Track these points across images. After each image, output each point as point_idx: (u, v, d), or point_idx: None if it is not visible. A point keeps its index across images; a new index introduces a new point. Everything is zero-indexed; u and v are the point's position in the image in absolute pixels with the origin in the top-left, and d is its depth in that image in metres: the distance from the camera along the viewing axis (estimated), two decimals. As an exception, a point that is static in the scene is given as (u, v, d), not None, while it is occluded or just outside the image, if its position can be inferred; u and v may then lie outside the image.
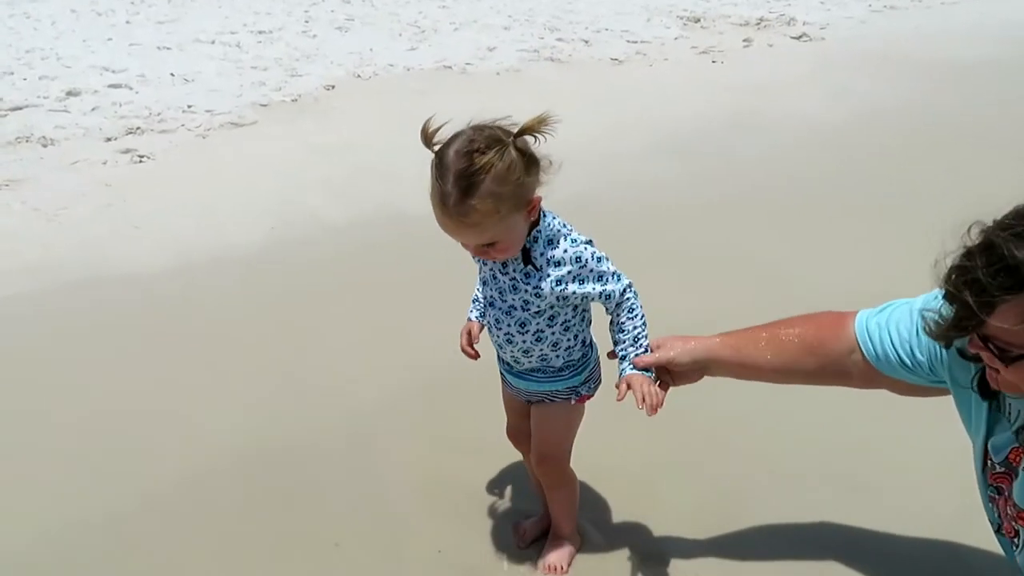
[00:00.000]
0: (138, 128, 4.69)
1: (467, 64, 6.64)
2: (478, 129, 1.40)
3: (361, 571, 1.73)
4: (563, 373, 1.59)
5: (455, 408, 2.22)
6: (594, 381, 1.65)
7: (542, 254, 1.46)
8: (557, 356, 1.56)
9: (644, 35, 7.87)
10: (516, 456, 1.87)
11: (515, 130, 1.39)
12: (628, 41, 7.64)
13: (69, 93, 5.44)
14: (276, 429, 2.16)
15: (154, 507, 1.88)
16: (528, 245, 1.45)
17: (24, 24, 8.29)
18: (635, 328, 1.53)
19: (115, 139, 4.51)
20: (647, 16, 8.77)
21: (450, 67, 6.56)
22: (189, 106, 5.22)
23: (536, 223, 1.45)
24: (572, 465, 1.70)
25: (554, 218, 1.50)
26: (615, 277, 1.51)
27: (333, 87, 5.88)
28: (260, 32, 8.15)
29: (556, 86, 6.10)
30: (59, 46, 7.09)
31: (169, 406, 2.26)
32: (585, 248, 1.48)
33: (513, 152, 1.37)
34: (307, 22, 8.89)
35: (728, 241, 3.34)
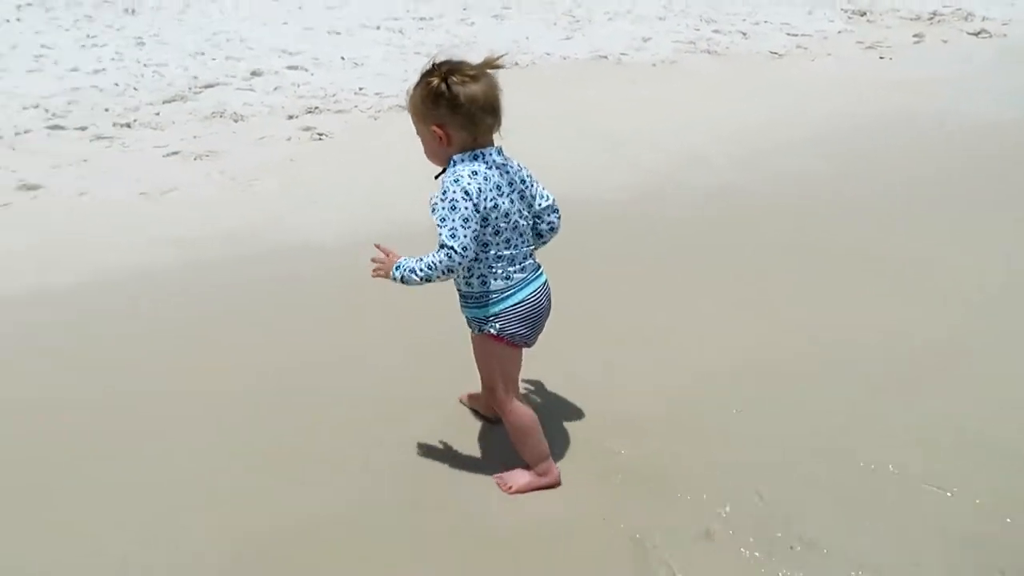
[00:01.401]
0: (316, 108, 5.04)
1: (622, 54, 6.68)
2: (442, 63, 1.75)
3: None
4: (468, 302, 1.85)
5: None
6: (502, 325, 1.83)
7: (442, 180, 1.76)
8: (459, 281, 1.84)
9: (805, 28, 7.64)
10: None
11: (466, 69, 1.72)
12: (788, 34, 7.44)
13: (253, 73, 5.91)
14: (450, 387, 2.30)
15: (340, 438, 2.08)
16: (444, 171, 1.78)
17: (211, 8, 8.99)
18: (418, 259, 1.73)
19: (296, 117, 4.86)
20: (808, 8, 8.49)
21: (605, 57, 6.63)
22: (360, 88, 5.55)
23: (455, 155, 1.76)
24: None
25: (470, 160, 1.76)
26: (450, 234, 1.70)
27: (492, 74, 6.08)
28: (421, 19, 8.48)
29: (712, 78, 6.05)
30: (242, 29, 7.66)
31: (346, 354, 2.44)
32: (453, 187, 1.72)
33: (433, 85, 1.71)
34: (465, 10, 9.15)
35: (876, 238, 3.27)
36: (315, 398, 2.24)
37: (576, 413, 2.18)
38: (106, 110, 4.94)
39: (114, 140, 4.38)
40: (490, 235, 1.77)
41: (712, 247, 3.21)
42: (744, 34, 7.42)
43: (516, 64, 6.43)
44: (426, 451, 2.03)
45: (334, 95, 5.38)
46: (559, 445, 2.02)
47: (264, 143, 4.40)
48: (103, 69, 5.97)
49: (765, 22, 7.88)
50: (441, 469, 1.97)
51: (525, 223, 1.85)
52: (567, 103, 5.33)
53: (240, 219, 3.44)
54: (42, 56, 6.39)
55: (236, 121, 4.76)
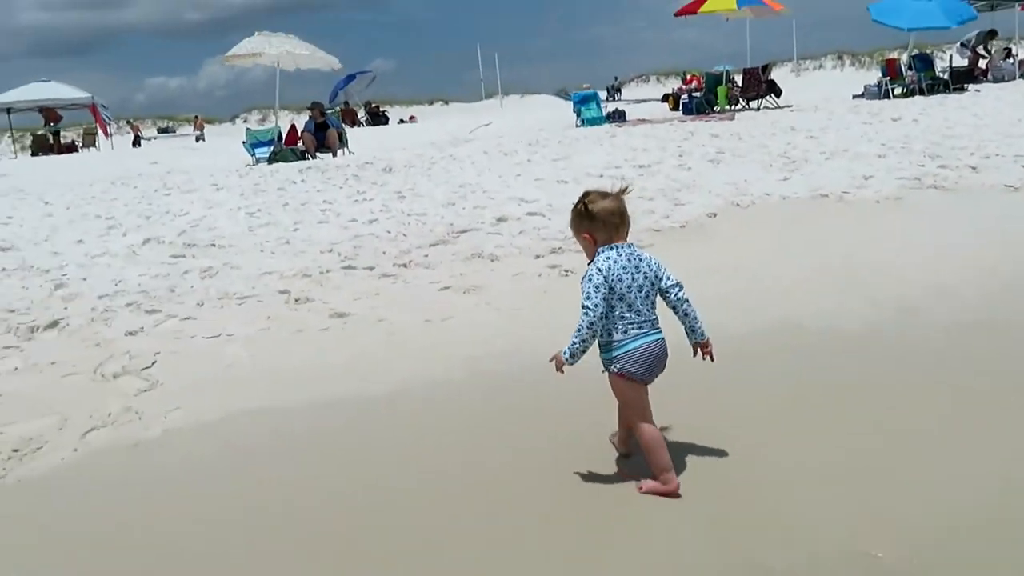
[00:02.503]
0: (559, 248, 5.63)
1: (844, 192, 6.84)
2: (584, 192, 2.64)
3: None
4: (601, 348, 2.53)
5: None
6: (620, 367, 2.50)
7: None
8: (600, 335, 2.51)
9: (1043, 160, 7.41)
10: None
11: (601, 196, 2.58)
12: (1024, 166, 7.26)
13: (499, 219, 6.70)
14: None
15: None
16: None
17: (452, 166, 10.26)
18: (576, 331, 2.47)
19: (542, 256, 5.47)
20: (1044, 140, 8.22)
21: (826, 195, 6.81)
22: (595, 230, 6.12)
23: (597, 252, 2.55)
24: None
25: (607, 251, 2.53)
26: (586, 298, 2.48)
27: (715, 215, 6.45)
28: (640, 166, 9.14)
29: (944, 213, 6.04)
30: (482, 182, 8.68)
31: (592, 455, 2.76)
32: (592, 268, 2.52)
33: (578, 208, 2.59)
34: (681, 156, 9.75)
35: None
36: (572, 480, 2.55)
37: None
38: (384, 253, 5.83)
39: (396, 277, 5.17)
40: (616, 300, 2.49)
41: (963, 383, 3.20)
42: (974, 168, 7.33)
43: (736, 205, 6.79)
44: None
45: (571, 237, 5.97)
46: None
47: (519, 278, 5.00)
48: (376, 219, 7.04)
49: (996, 155, 7.73)
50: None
51: (647, 295, 2.54)
52: (793, 240, 5.56)
53: (511, 340, 3.95)
54: (326, 210, 7.63)
55: (492, 260, 5.44)
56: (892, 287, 4.42)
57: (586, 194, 2.60)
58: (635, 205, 6.95)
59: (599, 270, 2.48)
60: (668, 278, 2.58)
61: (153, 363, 3.86)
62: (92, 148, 30.58)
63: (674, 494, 2.49)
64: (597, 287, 2.46)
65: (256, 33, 15.41)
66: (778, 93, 18.66)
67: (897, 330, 3.86)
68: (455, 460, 2.85)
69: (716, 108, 18.21)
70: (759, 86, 18.55)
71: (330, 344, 4.06)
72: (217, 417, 3.29)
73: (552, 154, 11.14)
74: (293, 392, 3.50)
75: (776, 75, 21.20)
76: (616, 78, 46.92)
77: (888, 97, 16.88)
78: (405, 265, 5.44)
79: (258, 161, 14.38)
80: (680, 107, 20.73)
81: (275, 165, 13.37)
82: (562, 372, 2.54)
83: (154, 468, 2.92)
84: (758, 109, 18.06)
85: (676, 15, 18.92)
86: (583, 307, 2.46)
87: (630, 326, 2.50)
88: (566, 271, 5.10)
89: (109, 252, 6.26)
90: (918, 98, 16.08)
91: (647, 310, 2.53)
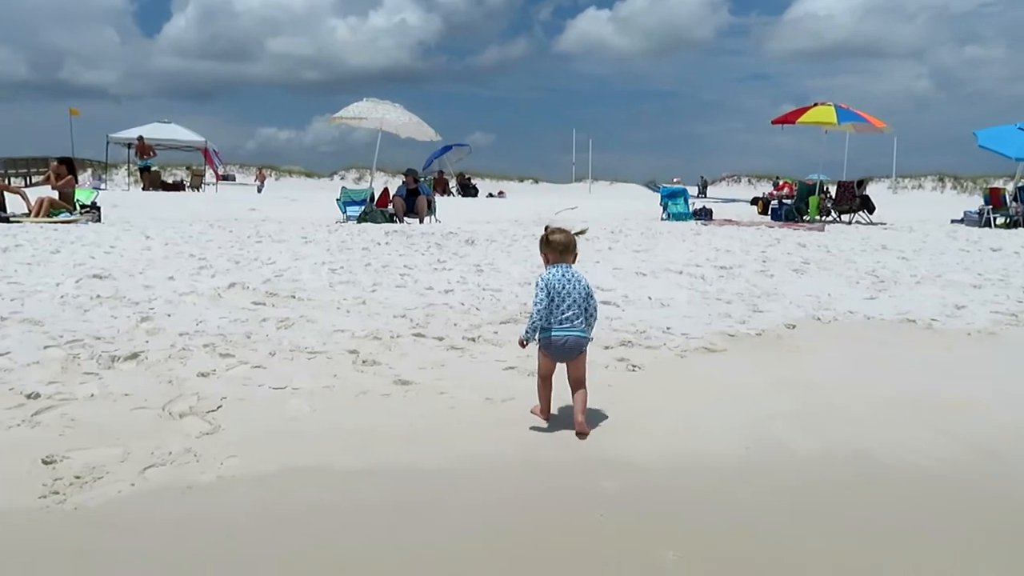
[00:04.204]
0: (629, 341, 5.58)
1: (932, 320, 6.59)
2: (547, 225, 3.99)
3: None
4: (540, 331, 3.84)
5: None
6: (543, 345, 3.85)
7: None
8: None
9: None
10: None
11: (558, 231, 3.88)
12: None
13: (573, 305, 6.70)
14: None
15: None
16: None
17: (534, 244, 10.33)
18: (529, 318, 3.83)
19: (611, 348, 5.41)
20: None
21: (913, 321, 6.57)
22: (668, 328, 6.05)
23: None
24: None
25: (554, 268, 3.79)
26: (536, 296, 3.75)
27: (794, 326, 6.30)
28: (722, 267, 9.06)
29: (1041, 355, 5.73)
30: (561, 265, 8.71)
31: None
32: (540, 280, 3.75)
33: (543, 235, 3.85)
34: (764, 262, 9.63)
35: None
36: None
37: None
38: (455, 324, 5.88)
39: (464, 351, 5.20)
40: (552, 305, 3.71)
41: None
42: (1076, 310, 6.97)
43: (817, 319, 6.61)
44: None
45: (644, 331, 5.91)
46: None
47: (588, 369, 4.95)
48: (451, 290, 7.14)
49: (1102, 299, 7.35)
50: None
51: (577, 303, 3.74)
52: (874, 363, 5.35)
53: (567, 430, 3.89)
54: (405, 275, 7.80)
55: (561, 345, 5.41)
56: (977, 426, 4.18)
57: (547, 227, 3.91)
58: (712, 307, 6.88)
59: (543, 279, 3.74)
60: (592, 296, 3.86)
61: (219, 407, 3.95)
62: (199, 189, 32.29)
63: (536, 414, 3.98)
64: (542, 289, 3.71)
65: (365, 98, 16.17)
66: (872, 209, 18.35)
67: (978, 474, 3.63)
68: (503, 546, 2.79)
69: (806, 217, 18.01)
70: (853, 200, 18.30)
71: (390, 410, 4.09)
72: (272, 470, 3.32)
73: (634, 244, 11.18)
74: (350, 454, 3.51)
75: (872, 190, 20.87)
76: (703, 176, 47.13)
77: (989, 225, 16.38)
78: (474, 339, 5.47)
79: (348, 219, 14.89)
80: (769, 212, 20.60)
81: (364, 224, 13.81)
82: (523, 347, 3.90)
83: (202, 515, 2.95)
84: (849, 223, 17.77)
85: (773, 123, 18.96)
86: (534, 303, 3.73)
87: (555, 320, 3.73)
88: (634, 366, 5.03)
89: (196, 291, 6.53)
90: (1022, 230, 15.54)
91: (572, 313, 3.73)
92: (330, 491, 3.20)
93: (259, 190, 33.97)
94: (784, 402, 4.52)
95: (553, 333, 3.73)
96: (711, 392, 4.67)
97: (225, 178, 33.87)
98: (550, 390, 3.94)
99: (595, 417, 4.10)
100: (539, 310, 3.68)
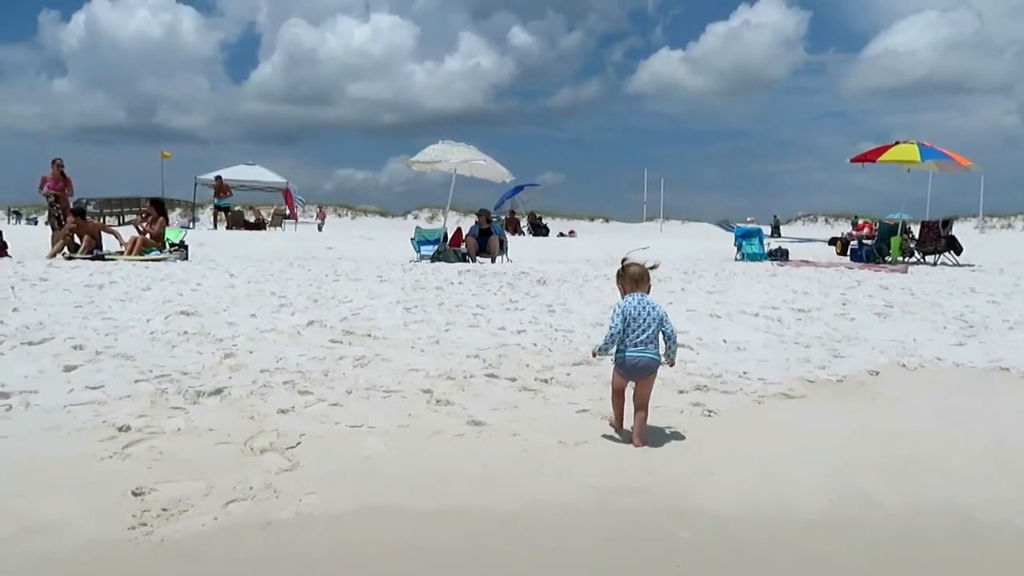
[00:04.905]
0: (704, 386, 5.48)
1: (1028, 368, 6.26)
2: (624, 259, 4.39)
3: None
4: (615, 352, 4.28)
5: None
6: (618, 363, 4.26)
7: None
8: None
9: None
10: None
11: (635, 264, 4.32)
12: None
13: (646, 347, 6.63)
14: None
15: None
16: None
17: (606, 284, 10.32)
18: (603, 338, 4.22)
19: (686, 392, 5.32)
20: None
21: (1007, 369, 6.26)
22: (744, 372, 5.92)
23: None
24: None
25: (630, 297, 4.20)
26: (611, 320, 4.20)
27: (877, 373, 6.07)
28: (800, 310, 8.83)
29: None
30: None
31: None
32: (617, 306, 4.18)
33: (621, 267, 4.31)
34: (844, 304, 9.35)
35: None
36: None
37: None
38: (527, 365, 5.89)
39: (536, 392, 5.20)
40: (628, 329, 4.12)
41: None
42: None
43: (902, 365, 6.37)
44: None
45: (719, 376, 5.80)
46: None
47: (658, 412, 4.86)
48: (524, 330, 7.16)
49: None
50: None
51: (651, 329, 4.13)
52: (965, 413, 5.11)
53: (642, 477, 3.83)
54: (478, 314, 7.86)
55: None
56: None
57: (623, 260, 4.35)
58: (790, 351, 6.70)
59: (619, 306, 4.18)
60: (669, 323, 4.23)
61: (298, 443, 4.04)
62: (279, 228, 33.41)
63: (615, 426, 4.41)
64: (617, 315, 4.14)
65: (440, 141, 16.53)
66: (958, 250, 17.65)
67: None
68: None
69: (888, 259, 17.44)
70: (937, 240, 17.65)
71: (464, 451, 4.10)
72: (350, 508, 3.37)
73: (707, 286, 11.01)
74: (424, 495, 3.53)
75: (958, 230, 20.10)
76: (775, 216, 46.31)
77: (1087, 267, 15.53)
78: (547, 381, 5.46)
79: (422, 258, 15.15)
80: (848, 253, 20.05)
81: (437, 264, 14.02)
82: (594, 357, 4.37)
83: (282, 554, 3.01)
84: (934, 264, 17.12)
85: (852, 161, 18.51)
86: (609, 326, 4.18)
87: (631, 343, 4.13)
88: (710, 411, 4.93)
89: (277, 329, 6.73)
90: (1123, 272, 14.68)
91: (648, 338, 4.12)
92: (405, 532, 3.22)
93: (320, 228, 34.87)
94: (869, 452, 4.35)
95: (628, 354, 4.12)
96: (791, 440, 4.53)
97: (285, 217, 34.81)
98: (623, 403, 4.33)
99: (670, 464, 4.03)
100: (613, 332, 4.11)
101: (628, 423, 4.36)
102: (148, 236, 14.03)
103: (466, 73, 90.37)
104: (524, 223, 36.84)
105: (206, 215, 38.19)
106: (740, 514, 3.56)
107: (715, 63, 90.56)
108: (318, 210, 46.46)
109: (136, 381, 5.01)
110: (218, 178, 30.54)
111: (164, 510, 3.24)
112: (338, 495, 3.48)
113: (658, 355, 4.19)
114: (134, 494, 3.37)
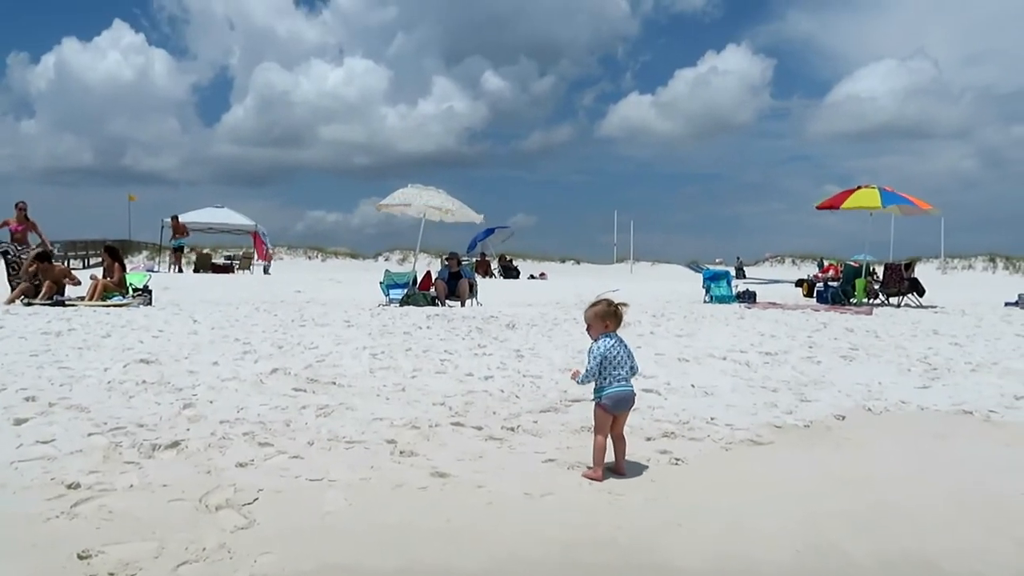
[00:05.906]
0: (672, 432, 5.44)
1: (991, 411, 6.32)
2: (597, 299, 4.57)
3: None
4: (595, 390, 4.53)
5: None
6: (600, 400, 4.47)
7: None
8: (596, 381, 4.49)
9: None
10: None
11: (604, 303, 4.53)
12: None
13: (614, 393, 6.59)
14: None
15: None
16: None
17: (575, 328, 10.30)
18: (584, 373, 4.50)
19: (654, 439, 5.28)
20: None
21: (970, 412, 6.31)
22: (712, 418, 5.90)
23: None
24: None
25: (604, 337, 4.46)
26: (592, 360, 4.43)
27: (843, 417, 6.09)
28: (767, 353, 8.88)
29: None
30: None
31: None
32: (594, 345, 4.45)
33: (595, 308, 4.50)
34: (811, 347, 9.43)
35: None
36: None
37: None
38: (494, 413, 5.82)
39: (503, 442, 5.12)
40: (610, 367, 4.38)
41: None
42: None
43: (868, 409, 6.40)
44: None
45: (687, 422, 5.77)
46: None
47: (627, 461, 4.82)
48: (491, 376, 7.10)
49: None
50: None
51: (626, 364, 4.44)
52: (930, 458, 5.12)
53: (609, 530, 3.76)
54: (446, 360, 7.79)
55: (601, 437, 5.29)
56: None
57: (598, 299, 4.54)
58: (758, 396, 6.70)
59: (598, 349, 4.41)
60: (635, 360, 4.59)
61: (255, 499, 3.92)
62: (247, 271, 33.07)
63: (593, 479, 4.39)
64: (595, 358, 4.40)
65: (410, 185, 16.56)
66: (921, 292, 17.99)
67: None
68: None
69: (853, 300, 17.69)
70: (901, 282, 17.98)
71: (427, 505, 4.00)
72: (308, 568, 3.25)
73: (676, 328, 11.05)
74: (387, 552, 3.43)
75: (921, 271, 20.51)
76: (739, 257, 46.95)
77: (1046, 308, 15.89)
78: (513, 429, 5.39)
79: (391, 302, 15.04)
80: (815, 295, 20.31)
81: (406, 308, 13.93)
82: (574, 378, 4.56)
83: (234, 615, 2.89)
84: (898, 306, 17.41)
85: (818, 208, 18.88)
86: (587, 367, 4.43)
87: (612, 379, 4.41)
88: (677, 459, 4.88)
89: (239, 377, 6.59)
90: (1080, 313, 15.04)
91: (624, 372, 4.43)
92: (363, 593, 3.11)
93: (265, 270, 33.12)
94: (836, 500, 4.33)
95: (614, 388, 4.42)
96: (758, 488, 4.49)
97: (231, 258, 33.85)
98: (606, 442, 4.50)
99: (638, 515, 3.97)
100: (590, 371, 4.43)
101: (608, 455, 4.54)
102: (109, 281, 13.78)
103: (439, 116, 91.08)
104: (495, 265, 36.89)
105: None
106: (707, 567, 3.50)
107: (684, 108, 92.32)
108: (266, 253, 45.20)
109: (89, 434, 4.85)
110: (174, 217, 29.78)
111: (111, 574, 3.10)
112: (296, 554, 3.36)
113: (633, 387, 4.59)
114: (80, 557, 3.22)
